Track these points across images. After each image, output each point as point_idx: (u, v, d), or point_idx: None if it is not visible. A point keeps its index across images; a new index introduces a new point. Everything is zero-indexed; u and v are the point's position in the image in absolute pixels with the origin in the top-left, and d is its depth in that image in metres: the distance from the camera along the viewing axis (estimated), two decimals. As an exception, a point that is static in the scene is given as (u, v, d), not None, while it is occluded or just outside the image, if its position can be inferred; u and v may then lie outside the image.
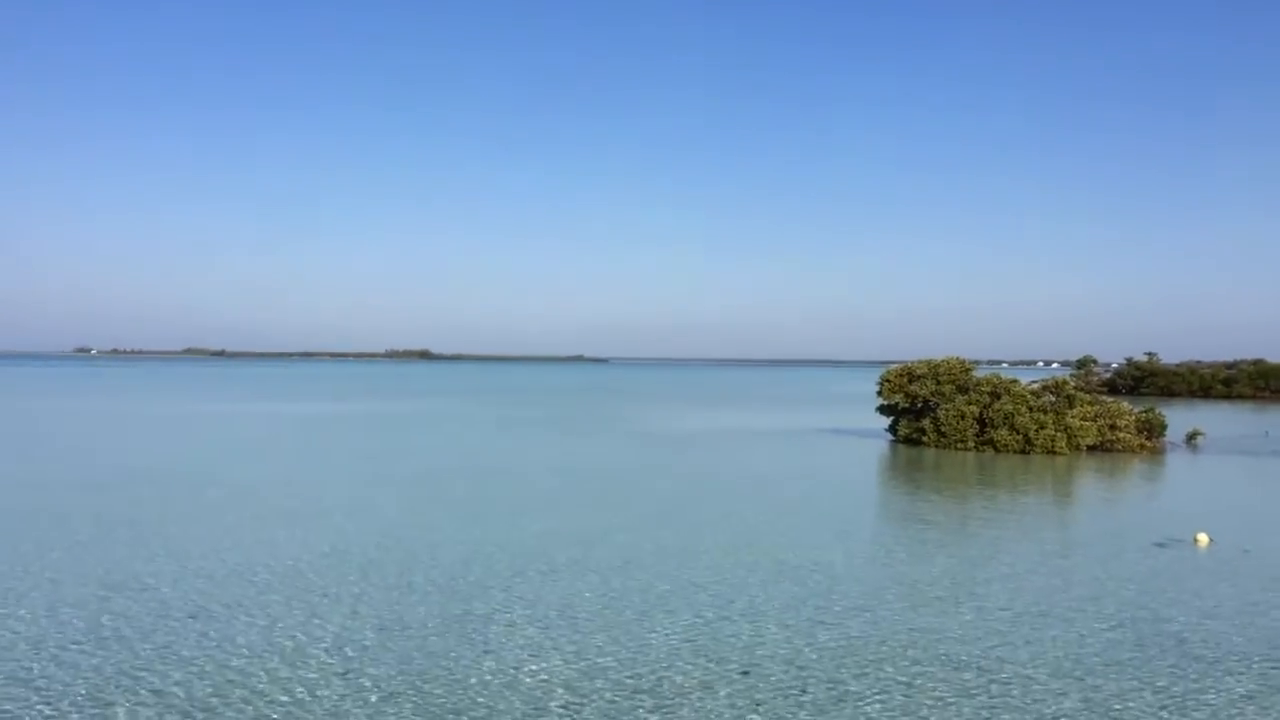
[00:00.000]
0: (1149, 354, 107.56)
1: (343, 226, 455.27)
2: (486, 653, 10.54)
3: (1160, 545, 17.64)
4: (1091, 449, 36.21)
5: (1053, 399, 37.95)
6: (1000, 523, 20.12)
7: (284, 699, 9.03)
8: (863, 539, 18.36)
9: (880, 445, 38.03)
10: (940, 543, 17.72)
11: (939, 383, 38.17)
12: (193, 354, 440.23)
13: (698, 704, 9.15)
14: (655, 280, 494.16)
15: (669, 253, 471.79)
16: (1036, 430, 35.46)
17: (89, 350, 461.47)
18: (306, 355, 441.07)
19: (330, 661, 10.14)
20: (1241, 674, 10.30)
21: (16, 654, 10.23)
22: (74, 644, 10.58)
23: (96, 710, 8.72)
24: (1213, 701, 9.45)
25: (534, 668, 10.07)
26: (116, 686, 9.31)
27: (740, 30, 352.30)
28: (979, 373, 39.52)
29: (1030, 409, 36.37)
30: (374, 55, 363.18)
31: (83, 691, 9.15)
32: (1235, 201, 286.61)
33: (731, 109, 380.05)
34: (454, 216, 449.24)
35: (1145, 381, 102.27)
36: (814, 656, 10.64)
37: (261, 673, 9.70)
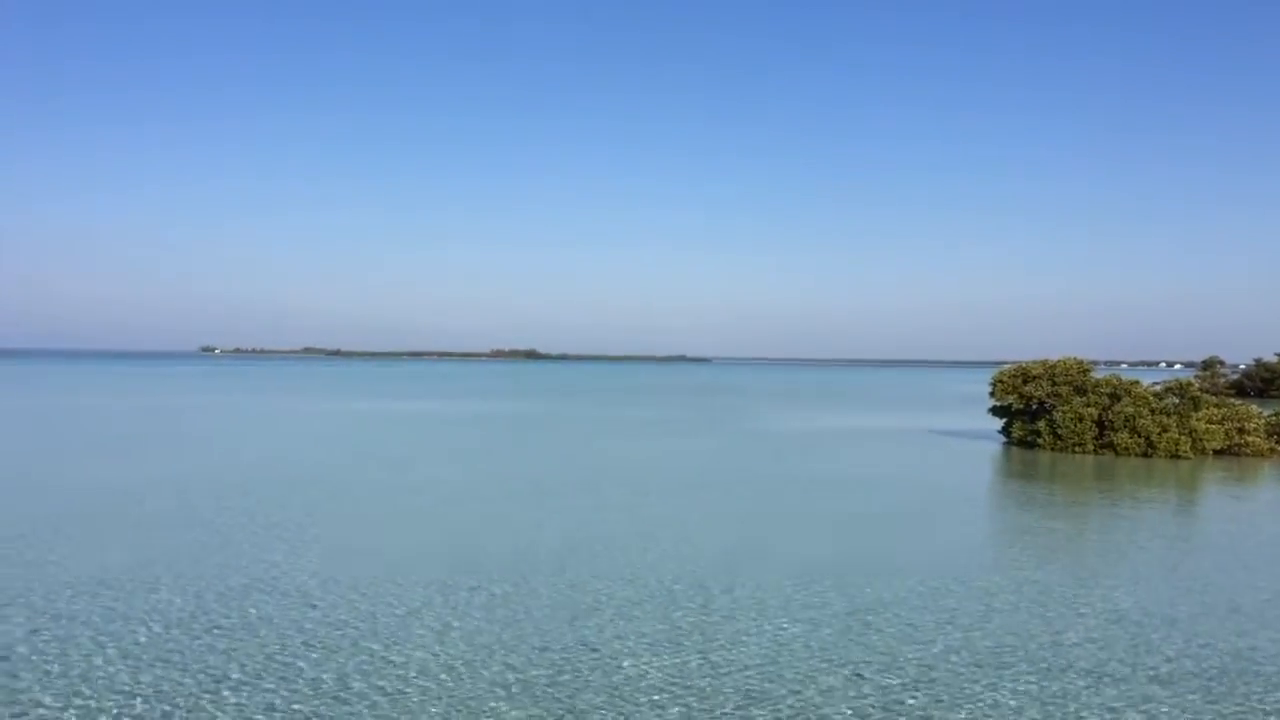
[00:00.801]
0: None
1: (452, 229, 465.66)
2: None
3: (1293, 552, 17.15)
4: (1218, 453, 34.94)
5: (1176, 401, 36.70)
6: (1123, 527, 19.75)
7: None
8: (982, 542, 18.31)
9: (993, 447, 37.41)
10: (1061, 546, 17.52)
11: (1055, 384, 37.31)
12: (310, 353, 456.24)
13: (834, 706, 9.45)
14: (758, 280, 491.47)
15: (774, 253, 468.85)
16: (1159, 433, 34.40)
17: (213, 349, 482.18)
18: (415, 355, 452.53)
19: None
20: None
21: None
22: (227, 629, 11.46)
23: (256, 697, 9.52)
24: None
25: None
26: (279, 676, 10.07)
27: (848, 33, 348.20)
28: (1097, 374, 38.51)
29: (1152, 411, 35.31)
30: (485, 65, 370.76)
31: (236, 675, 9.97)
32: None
33: (834, 117, 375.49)
34: (558, 217, 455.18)
35: (1276, 383, 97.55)
36: (939, 662, 10.66)
37: None
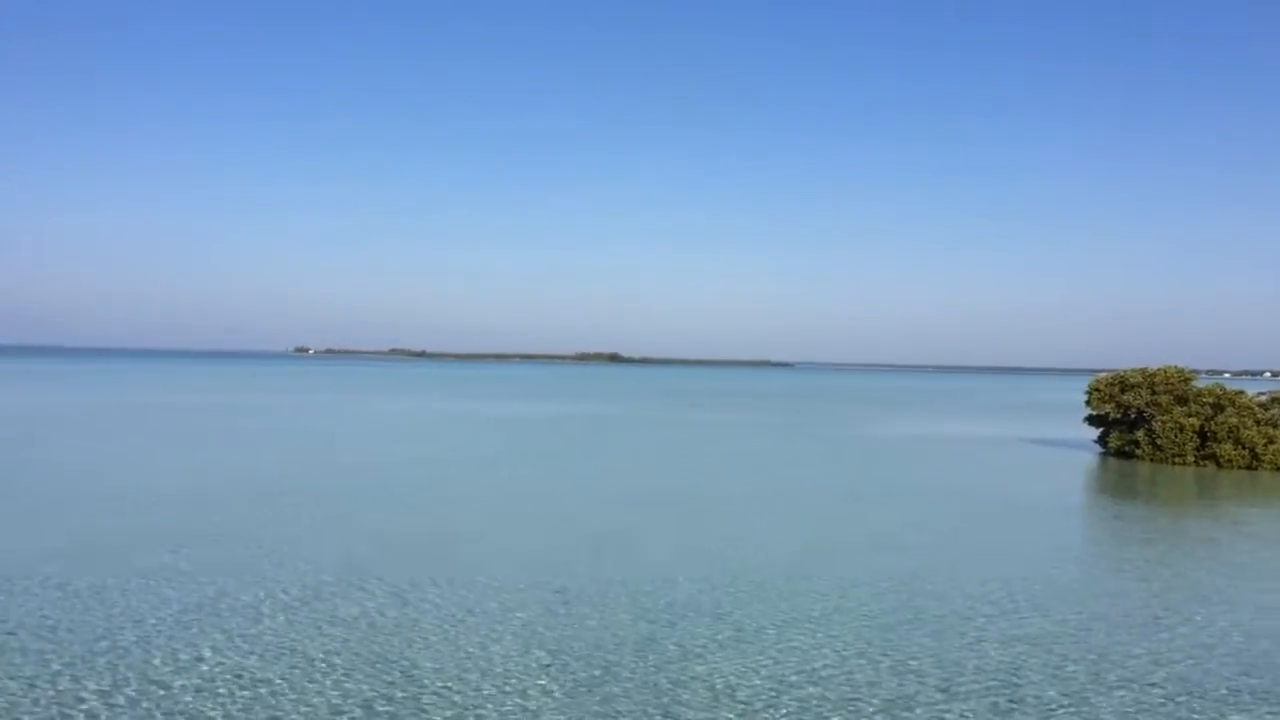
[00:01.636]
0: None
1: (536, 231, 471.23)
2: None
3: None
4: (1328, 467, 33.81)
5: (1283, 412, 35.59)
6: (1228, 540, 19.44)
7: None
8: (1082, 553, 18.23)
9: (1089, 457, 36.75)
10: (1164, 560, 17.33)
11: (1155, 393, 36.47)
12: (397, 354, 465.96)
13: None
14: (841, 283, 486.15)
15: (861, 256, 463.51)
16: (1265, 445, 33.44)
17: (307, 350, 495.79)
18: (500, 357, 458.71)
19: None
20: None
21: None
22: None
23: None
24: None
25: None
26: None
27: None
28: (1199, 383, 37.49)
29: (1258, 422, 34.32)
30: (576, 69, 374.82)
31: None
32: None
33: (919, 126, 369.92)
34: (638, 220, 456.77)
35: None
36: (1040, 675, 10.59)
37: None
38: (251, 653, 10.12)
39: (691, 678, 9.82)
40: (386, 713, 8.73)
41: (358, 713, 8.70)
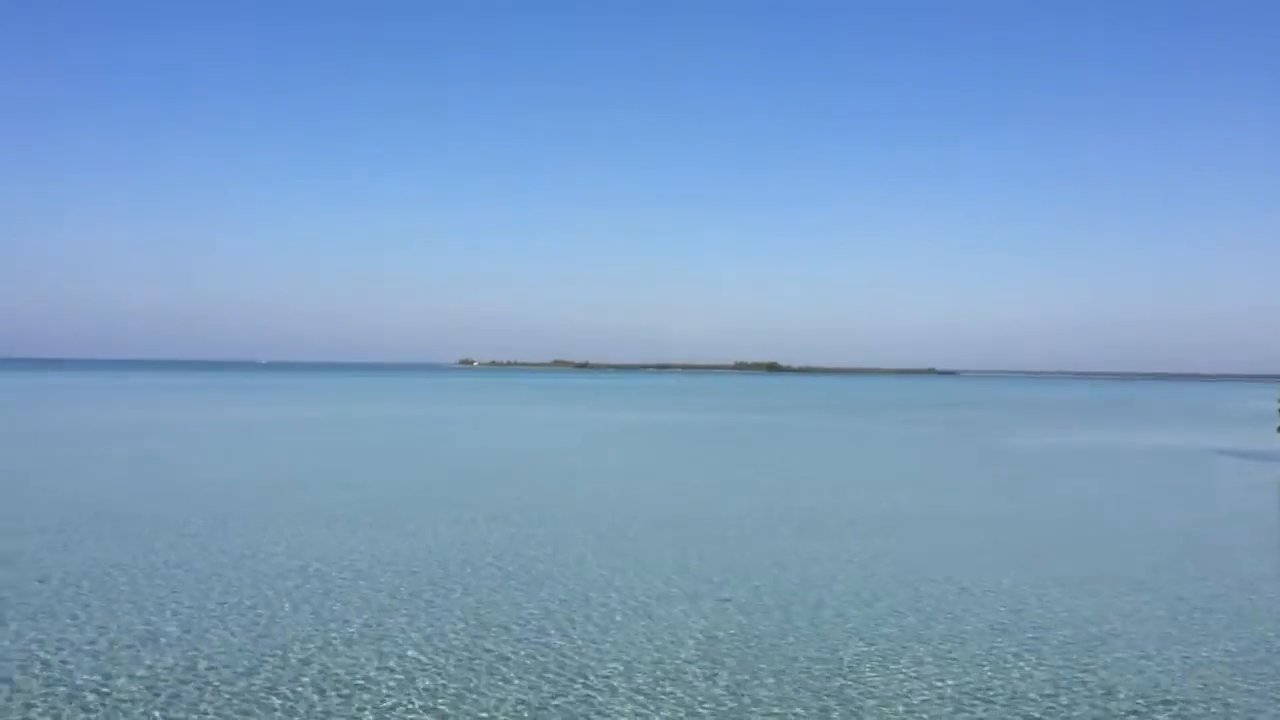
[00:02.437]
0: None
1: (691, 241, 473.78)
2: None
3: None
4: None
5: None
6: None
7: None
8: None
9: (1295, 471, 34.88)
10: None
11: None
12: (559, 365, 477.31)
13: None
14: (1008, 290, 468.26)
15: (1023, 261, 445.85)
16: None
17: (471, 362, 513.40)
18: (661, 367, 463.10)
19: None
20: None
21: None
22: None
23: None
24: None
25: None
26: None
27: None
28: None
29: None
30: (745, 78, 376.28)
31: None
32: None
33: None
34: (799, 225, 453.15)
35: None
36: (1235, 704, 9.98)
37: None
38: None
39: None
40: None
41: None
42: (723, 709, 9.26)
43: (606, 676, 10.13)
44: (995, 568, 16.11)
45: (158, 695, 9.30)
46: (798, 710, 9.28)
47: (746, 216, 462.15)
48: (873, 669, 10.52)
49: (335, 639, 11.21)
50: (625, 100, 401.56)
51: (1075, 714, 9.32)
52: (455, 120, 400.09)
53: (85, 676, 9.75)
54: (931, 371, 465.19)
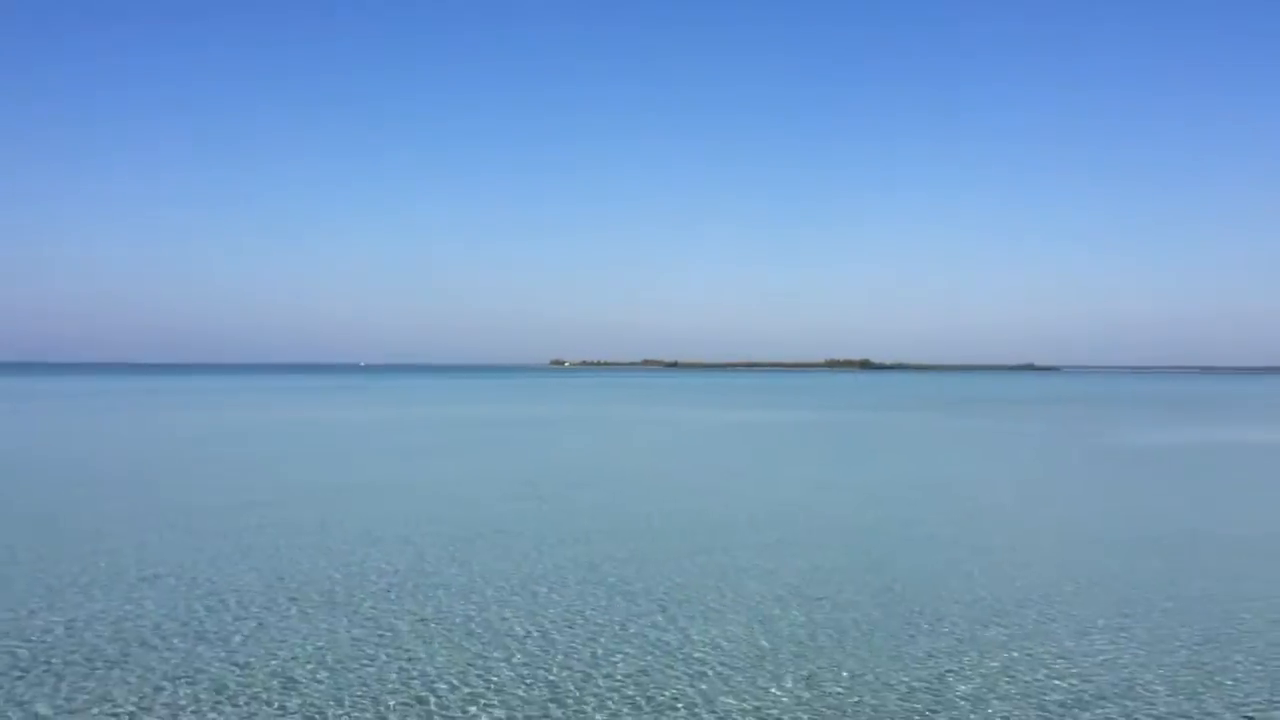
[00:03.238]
0: None
1: (781, 241, 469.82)
2: None
3: None
4: None
5: None
6: None
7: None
8: None
9: None
10: None
11: None
12: (650, 364, 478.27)
13: None
14: (1110, 283, 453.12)
15: (1130, 253, 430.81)
16: None
17: (562, 362, 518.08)
18: (750, 365, 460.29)
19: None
20: None
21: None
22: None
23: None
24: None
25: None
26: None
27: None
28: None
29: None
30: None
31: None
32: None
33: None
34: (891, 223, 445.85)
35: None
36: None
37: None
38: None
39: None
40: None
41: None
42: None
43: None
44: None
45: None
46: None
47: (837, 213, 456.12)
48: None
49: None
50: (719, 109, 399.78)
51: None
52: (547, 125, 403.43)
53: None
54: (1030, 367, 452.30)
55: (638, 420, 57.01)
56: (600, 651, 10.54)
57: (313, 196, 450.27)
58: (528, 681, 9.59)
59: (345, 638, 10.94)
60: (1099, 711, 8.81)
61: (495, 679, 9.66)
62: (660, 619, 11.83)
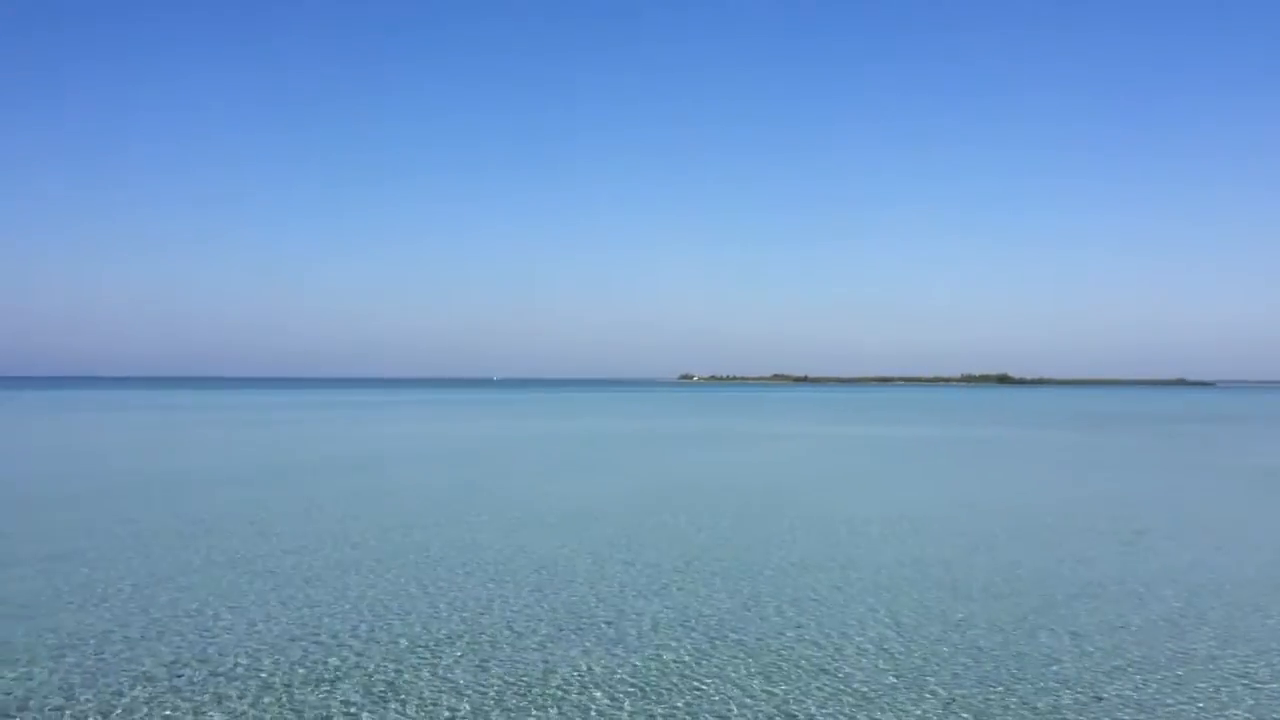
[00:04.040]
0: None
1: (912, 252, 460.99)
2: None
3: None
4: None
5: None
6: None
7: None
8: None
9: None
10: None
11: None
12: (779, 379, 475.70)
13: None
14: (1258, 292, 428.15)
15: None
16: None
17: (691, 376, 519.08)
18: (882, 380, 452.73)
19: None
20: None
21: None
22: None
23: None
24: None
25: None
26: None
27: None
28: None
29: None
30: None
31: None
32: None
33: None
34: (1034, 236, 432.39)
35: None
36: None
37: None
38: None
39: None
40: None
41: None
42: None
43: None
44: None
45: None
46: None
47: (972, 224, 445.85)
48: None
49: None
50: (853, 128, 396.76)
51: None
52: (659, 139, 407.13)
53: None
54: (1181, 382, 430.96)
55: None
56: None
57: (465, 211, 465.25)
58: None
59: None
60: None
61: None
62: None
